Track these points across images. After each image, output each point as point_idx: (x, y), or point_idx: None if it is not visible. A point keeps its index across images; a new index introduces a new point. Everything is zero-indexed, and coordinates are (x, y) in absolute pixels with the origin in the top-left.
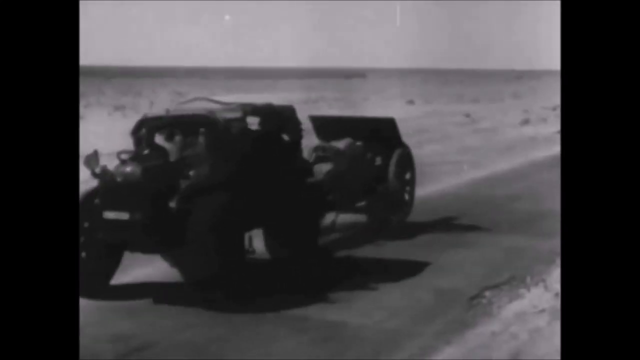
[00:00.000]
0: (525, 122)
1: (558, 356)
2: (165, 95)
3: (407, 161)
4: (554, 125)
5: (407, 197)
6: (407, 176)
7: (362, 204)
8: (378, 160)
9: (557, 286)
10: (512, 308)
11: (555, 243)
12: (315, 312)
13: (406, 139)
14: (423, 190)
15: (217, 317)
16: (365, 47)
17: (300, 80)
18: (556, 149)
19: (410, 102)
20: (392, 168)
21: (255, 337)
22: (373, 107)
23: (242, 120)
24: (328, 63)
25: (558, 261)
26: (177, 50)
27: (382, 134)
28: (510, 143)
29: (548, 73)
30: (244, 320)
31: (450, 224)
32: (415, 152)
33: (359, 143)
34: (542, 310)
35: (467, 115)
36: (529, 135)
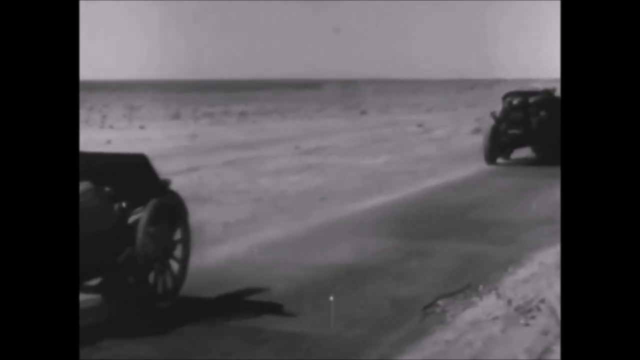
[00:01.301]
0: (477, 130)
1: None
2: (119, 109)
3: (170, 214)
4: None
5: (174, 268)
6: (176, 236)
7: (96, 281)
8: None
9: (510, 294)
10: (466, 316)
11: (509, 250)
12: (269, 324)
13: (361, 149)
14: (381, 199)
15: None
16: (319, 58)
17: (254, 92)
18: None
19: (364, 112)
20: (141, 224)
21: (216, 351)
22: (327, 118)
23: None
24: (281, 74)
25: (510, 269)
26: (130, 64)
27: (133, 176)
28: (464, 151)
29: (499, 82)
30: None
31: (405, 232)
32: (371, 162)
33: (107, 189)
34: (496, 318)
35: (420, 125)
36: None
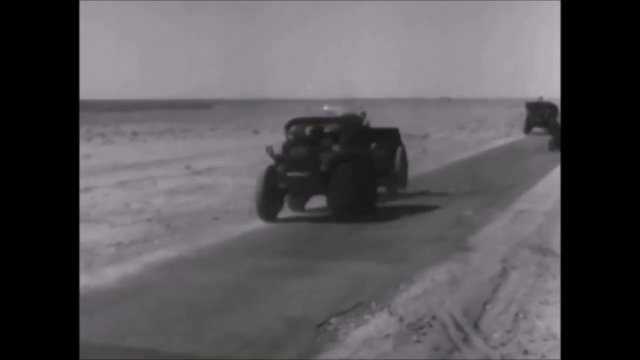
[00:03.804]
0: None
1: None
2: None
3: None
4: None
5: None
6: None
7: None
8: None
9: (401, 311)
10: (358, 334)
11: (401, 269)
12: (162, 345)
13: (253, 168)
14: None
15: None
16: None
17: (146, 112)
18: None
19: (256, 132)
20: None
21: None
22: (220, 137)
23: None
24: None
25: (402, 286)
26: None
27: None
28: None
29: (390, 101)
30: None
31: (297, 251)
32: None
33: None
34: (388, 335)
35: None
36: None
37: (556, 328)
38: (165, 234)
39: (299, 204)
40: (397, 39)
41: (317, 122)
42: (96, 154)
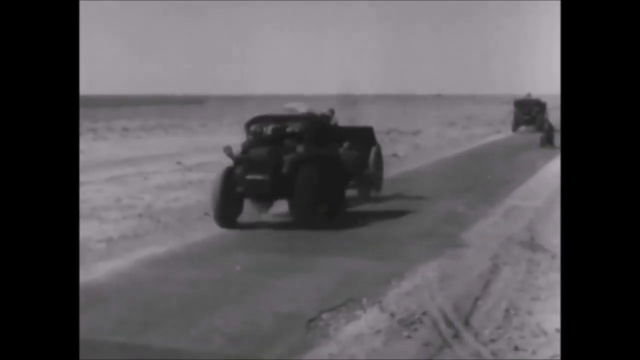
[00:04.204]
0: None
1: None
2: None
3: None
4: (389, 149)
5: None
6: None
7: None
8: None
9: (393, 307)
10: (349, 329)
11: (392, 265)
12: (152, 340)
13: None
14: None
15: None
16: (202, 73)
17: (136, 107)
18: (393, 171)
19: None
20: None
21: None
22: (211, 133)
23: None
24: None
25: (394, 282)
26: None
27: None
28: None
29: (381, 97)
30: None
31: (288, 248)
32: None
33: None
34: (379, 331)
35: None
36: None
37: (547, 324)
38: (155, 229)
39: (262, 209)
40: (388, 36)
41: (280, 120)
42: (87, 150)
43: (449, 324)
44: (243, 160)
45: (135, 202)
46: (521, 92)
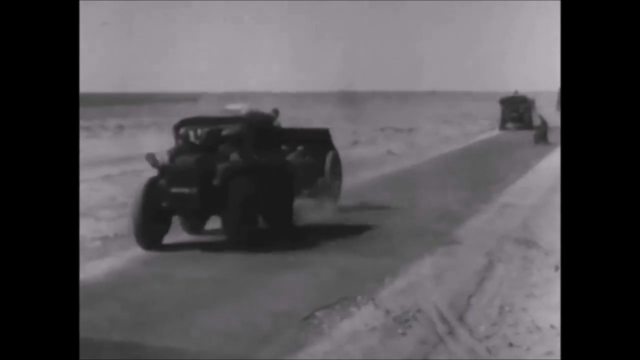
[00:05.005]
0: (355, 143)
1: None
2: None
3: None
4: (383, 146)
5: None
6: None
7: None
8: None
9: (387, 305)
10: (344, 327)
11: (384, 262)
12: (149, 340)
13: None
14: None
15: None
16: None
17: (130, 106)
18: (388, 168)
19: None
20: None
21: None
22: None
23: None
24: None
25: (387, 280)
26: None
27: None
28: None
29: (377, 94)
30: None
31: (282, 246)
32: None
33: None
34: (373, 329)
35: None
36: (360, 156)
37: (541, 321)
38: None
39: (194, 226)
40: (380, 33)
41: (214, 123)
42: (82, 149)
43: (444, 320)
44: (168, 170)
45: (131, 200)
46: (522, 89)
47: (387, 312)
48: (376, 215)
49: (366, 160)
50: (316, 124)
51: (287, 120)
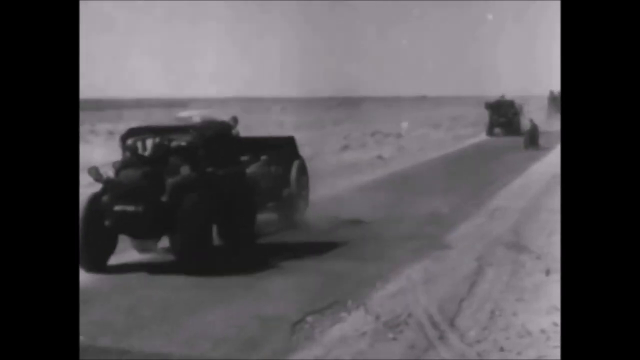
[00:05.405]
0: (345, 147)
1: None
2: None
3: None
4: (374, 150)
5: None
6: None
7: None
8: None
9: (378, 309)
10: (334, 332)
11: (376, 267)
12: (136, 345)
13: None
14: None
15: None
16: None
17: (121, 111)
18: (379, 172)
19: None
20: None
21: None
22: None
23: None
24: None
25: (378, 284)
26: None
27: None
28: (333, 169)
29: (366, 99)
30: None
31: (272, 250)
32: None
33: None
34: (364, 333)
35: None
36: (350, 161)
37: (532, 325)
38: None
39: (144, 246)
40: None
41: (164, 132)
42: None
43: (435, 325)
44: (111, 186)
45: None
46: (510, 94)
47: (378, 317)
48: (368, 214)
49: (356, 165)
50: (309, 128)
51: (277, 125)
